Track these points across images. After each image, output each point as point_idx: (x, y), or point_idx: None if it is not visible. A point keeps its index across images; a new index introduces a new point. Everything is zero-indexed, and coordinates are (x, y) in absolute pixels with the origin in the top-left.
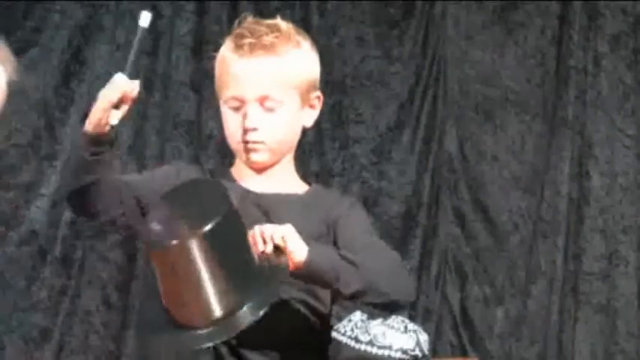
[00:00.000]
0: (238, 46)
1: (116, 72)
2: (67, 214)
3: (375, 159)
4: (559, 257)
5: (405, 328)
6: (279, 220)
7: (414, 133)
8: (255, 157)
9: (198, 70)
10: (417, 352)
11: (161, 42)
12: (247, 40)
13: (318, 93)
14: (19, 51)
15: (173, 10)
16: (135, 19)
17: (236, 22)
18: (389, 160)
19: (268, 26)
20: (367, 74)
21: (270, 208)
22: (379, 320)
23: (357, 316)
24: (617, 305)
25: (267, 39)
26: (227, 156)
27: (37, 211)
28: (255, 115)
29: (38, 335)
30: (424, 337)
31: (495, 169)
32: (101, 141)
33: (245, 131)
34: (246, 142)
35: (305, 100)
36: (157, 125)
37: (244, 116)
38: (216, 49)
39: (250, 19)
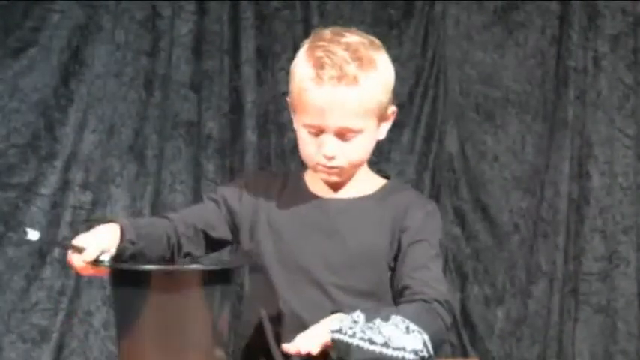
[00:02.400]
0: (319, 76)
1: (115, 72)
2: (67, 214)
3: (375, 159)
4: (559, 257)
5: (408, 328)
6: (345, 227)
7: (414, 133)
8: (331, 178)
9: (199, 70)
10: (425, 353)
11: (161, 42)
12: (329, 72)
13: (394, 108)
14: (18, 51)
15: (173, 10)
16: (134, 18)
17: (312, 34)
18: (389, 160)
19: (347, 49)
20: None
21: (335, 215)
22: (389, 321)
23: (360, 316)
24: (617, 305)
25: (349, 69)
26: (226, 157)
27: (36, 212)
28: (333, 144)
29: (38, 335)
30: (426, 337)
31: (496, 169)
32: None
33: (322, 157)
34: (323, 165)
35: (382, 119)
36: (157, 125)
37: (322, 144)
38: (217, 49)
39: (328, 34)
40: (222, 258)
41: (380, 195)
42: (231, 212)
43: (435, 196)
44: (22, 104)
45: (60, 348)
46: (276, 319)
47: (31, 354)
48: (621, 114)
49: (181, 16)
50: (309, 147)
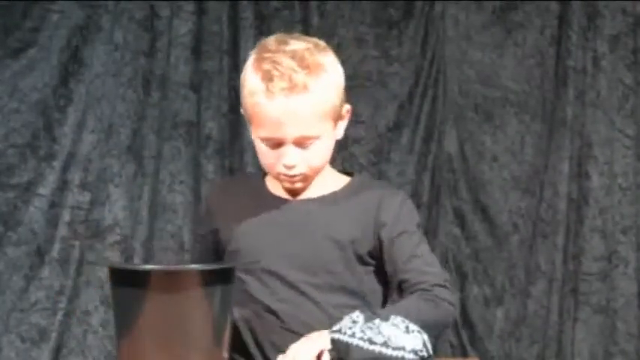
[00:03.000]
0: (269, 90)
1: (114, 72)
2: (65, 214)
3: (375, 159)
4: (558, 257)
5: (407, 328)
6: (310, 225)
7: (413, 133)
8: (294, 186)
9: (198, 70)
10: (425, 353)
11: (159, 42)
12: (278, 84)
13: (348, 107)
14: (17, 51)
15: (172, 10)
16: (133, 19)
17: (257, 45)
18: (388, 161)
19: (294, 57)
20: (366, 74)
21: (300, 215)
22: (388, 321)
23: (360, 316)
24: (617, 306)
25: (298, 78)
26: (226, 157)
27: (35, 212)
28: (292, 154)
29: (36, 335)
30: (426, 337)
31: (495, 170)
32: None
33: (283, 167)
34: (285, 175)
35: (337, 119)
36: (156, 126)
37: (281, 155)
38: (216, 49)
39: (273, 44)
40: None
41: (347, 191)
42: (214, 240)
43: (435, 197)
44: (21, 104)
45: (58, 348)
46: (255, 321)
47: (29, 354)
48: (621, 114)
49: (180, 16)
50: (268, 159)
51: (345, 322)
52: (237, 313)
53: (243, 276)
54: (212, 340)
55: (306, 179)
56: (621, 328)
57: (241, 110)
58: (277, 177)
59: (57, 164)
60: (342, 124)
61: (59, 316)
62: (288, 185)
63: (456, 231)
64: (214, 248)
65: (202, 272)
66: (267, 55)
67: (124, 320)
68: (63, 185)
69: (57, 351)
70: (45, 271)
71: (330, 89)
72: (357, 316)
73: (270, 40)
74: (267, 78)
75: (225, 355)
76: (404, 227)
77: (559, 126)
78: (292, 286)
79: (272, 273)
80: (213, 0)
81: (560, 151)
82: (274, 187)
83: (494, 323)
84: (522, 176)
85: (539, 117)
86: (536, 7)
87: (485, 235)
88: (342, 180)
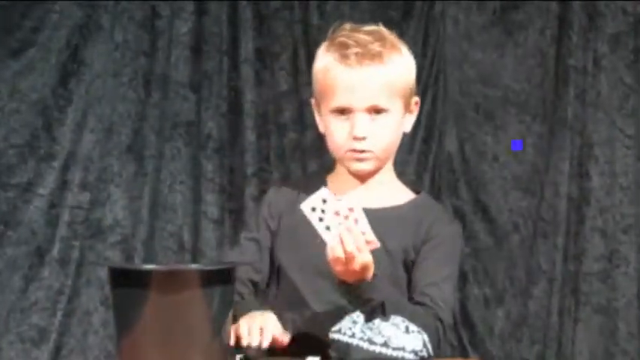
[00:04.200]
0: (344, 56)
1: (114, 72)
2: (65, 214)
3: None
4: (559, 257)
5: (407, 328)
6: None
7: (413, 132)
8: (361, 166)
9: (198, 70)
10: (425, 353)
11: (160, 42)
12: (354, 50)
13: (417, 98)
14: (17, 51)
15: (172, 10)
16: (133, 18)
17: (330, 30)
18: None
19: (371, 34)
20: None
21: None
22: (388, 321)
23: (360, 317)
24: (618, 305)
25: (374, 47)
26: (226, 156)
27: (35, 211)
28: (363, 124)
29: (36, 335)
30: (426, 337)
31: (495, 169)
32: None
33: (352, 141)
34: (353, 151)
35: (407, 106)
36: (156, 125)
37: (352, 125)
38: (216, 49)
39: (348, 26)
40: (222, 258)
41: (408, 207)
42: (268, 245)
43: (435, 196)
44: (20, 104)
45: (58, 348)
46: (301, 323)
47: (29, 354)
48: (621, 114)
49: (180, 16)
50: (339, 134)
51: (346, 323)
52: (287, 314)
53: (296, 278)
54: (213, 339)
55: (373, 162)
56: (622, 328)
57: (311, 100)
58: (345, 157)
59: (57, 164)
60: (410, 118)
61: (59, 316)
62: (356, 166)
63: None
64: (256, 266)
65: (202, 272)
66: (341, 34)
67: (124, 320)
68: (63, 185)
69: (57, 351)
70: (45, 271)
71: (403, 68)
72: (358, 316)
73: (343, 27)
74: (343, 47)
75: (226, 354)
76: (442, 255)
77: (559, 126)
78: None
79: (322, 274)
80: (213, 0)
81: (560, 150)
82: (340, 192)
83: (495, 323)
84: (523, 176)
85: (539, 117)
86: (536, 8)
87: (486, 235)
88: (407, 195)
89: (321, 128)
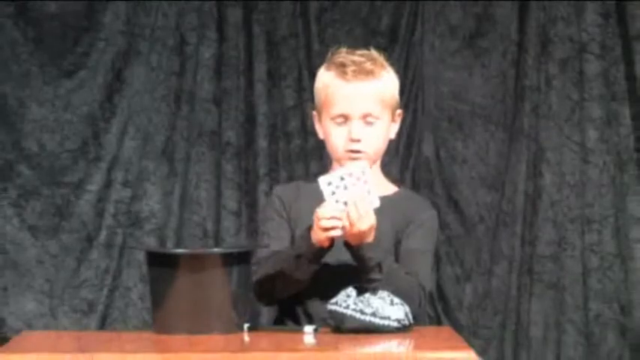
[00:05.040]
0: (343, 73)
1: (150, 90)
2: (110, 207)
3: None
4: (517, 243)
5: (392, 301)
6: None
7: (397, 139)
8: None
9: (219, 87)
10: (406, 322)
11: (188, 64)
12: (351, 68)
13: (400, 110)
14: (70, 72)
15: (198, 37)
16: (166, 45)
17: (329, 53)
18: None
19: (364, 55)
20: None
21: None
22: (376, 295)
23: (352, 291)
24: (566, 283)
25: (367, 66)
26: (242, 159)
27: (85, 205)
28: (358, 129)
29: (86, 307)
30: (407, 309)
31: (465, 170)
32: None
33: (349, 142)
34: (350, 151)
35: (392, 116)
36: (185, 134)
37: (349, 130)
38: (234, 70)
39: (344, 49)
40: (240, 243)
41: (396, 197)
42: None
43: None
44: (73, 116)
45: (104, 318)
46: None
47: (81, 322)
48: (568, 124)
49: (204, 42)
50: (337, 137)
51: (341, 296)
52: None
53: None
54: (231, 311)
55: (366, 161)
56: (569, 302)
57: (313, 113)
58: (342, 157)
59: (103, 165)
60: (395, 127)
61: (105, 291)
62: (350, 163)
63: None
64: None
65: (222, 255)
66: (338, 56)
67: (158, 294)
68: (108, 183)
69: (103, 320)
70: (94, 254)
71: (390, 84)
72: (351, 290)
73: (340, 50)
74: (342, 66)
75: (243, 323)
76: (423, 234)
77: (518, 134)
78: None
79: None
80: (232, 29)
81: (518, 154)
82: None
83: (464, 297)
84: (487, 176)
85: (501, 126)
86: (499, 36)
87: (457, 225)
88: (392, 188)
89: (321, 135)
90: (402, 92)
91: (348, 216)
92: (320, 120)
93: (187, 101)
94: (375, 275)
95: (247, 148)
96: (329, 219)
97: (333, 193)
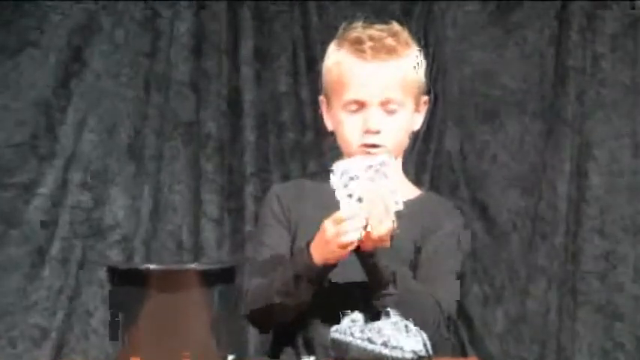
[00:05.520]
0: (360, 50)
1: (114, 72)
2: (66, 214)
3: None
4: (557, 257)
5: (407, 328)
6: None
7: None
8: None
9: (198, 69)
10: (424, 353)
11: (160, 42)
12: (369, 45)
13: (426, 98)
14: (18, 50)
15: (172, 10)
16: (134, 19)
17: (341, 28)
18: None
19: (384, 29)
20: None
21: None
22: (388, 320)
23: (359, 316)
24: (616, 304)
25: (389, 42)
26: (226, 156)
27: (35, 211)
28: (377, 118)
29: (38, 334)
30: (425, 337)
31: (495, 169)
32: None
33: (365, 135)
34: (366, 146)
35: (417, 104)
36: (156, 125)
37: (366, 120)
38: (215, 48)
39: (360, 23)
40: (222, 257)
41: (418, 203)
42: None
43: None
44: (21, 104)
45: (59, 348)
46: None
47: (31, 353)
48: (620, 113)
49: (180, 15)
50: (351, 128)
51: (345, 322)
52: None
53: None
54: (212, 339)
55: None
56: (620, 327)
57: (321, 97)
58: (358, 153)
59: (57, 163)
60: (419, 117)
61: (60, 315)
62: None
63: None
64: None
65: (201, 272)
66: (354, 31)
67: (123, 320)
68: (63, 185)
69: (58, 350)
70: (46, 271)
71: (415, 64)
72: (357, 315)
73: (354, 25)
74: (357, 42)
75: (227, 354)
76: (448, 247)
77: (558, 125)
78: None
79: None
80: (213, 0)
81: (559, 150)
82: None
83: (494, 322)
84: (522, 176)
85: (538, 116)
86: (535, 8)
87: (485, 235)
88: (415, 191)
89: (330, 126)
90: None
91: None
92: (329, 107)
93: (159, 86)
94: (389, 289)
95: (232, 143)
96: (352, 232)
97: (346, 185)
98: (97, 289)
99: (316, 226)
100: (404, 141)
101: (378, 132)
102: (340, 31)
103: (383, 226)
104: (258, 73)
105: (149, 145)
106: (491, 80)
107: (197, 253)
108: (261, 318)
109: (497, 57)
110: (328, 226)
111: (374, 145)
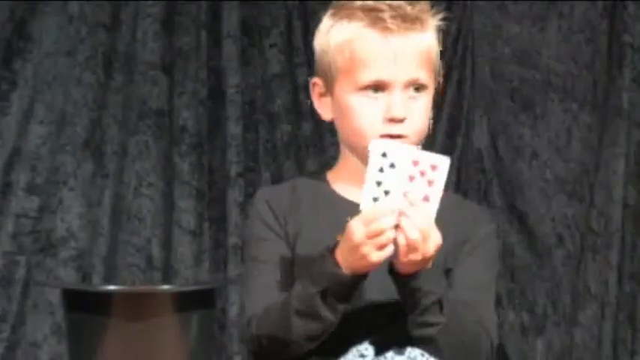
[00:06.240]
0: (378, 20)
1: (68, 50)
2: (9, 224)
3: None
4: (612, 277)
5: None
6: None
7: (434, 125)
8: None
9: (170, 47)
10: None
11: (123, 13)
12: (389, 14)
13: (441, 77)
14: None
15: None
16: None
17: (332, 10)
18: None
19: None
20: None
21: None
22: (403, 355)
23: (369, 349)
24: None
25: (410, 12)
26: (204, 153)
27: None
28: (400, 102)
29: None
30: None
31: (535, 169)
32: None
33: (387, 124)
34: (387, 137)
35: (436, 86)
36: (119, 115)
37: (389, 105)
38: (192, 21)
39: None
40: (200, 277)
41: (443, 206)
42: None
43: None
44: None
45: None
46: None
47: None
48: None
49: None
50: (370, 116)
51: (351, 356)
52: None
53: None
54: None
55: None
56: None
57: (313, 80)
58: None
59: None
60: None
61: (0, 348)
62: None
63: None
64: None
65: (176, 295)
66: (361, 2)
67: (80, 352)
68: (5, 189)
69: None
70: None
71: (436, 40)
72: (366, 348)
73: None
74: (375, 11)
75: None
76: (483, 260)
77: (613, 116)
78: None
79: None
80: None
81: (614, 146)
82: (345, 191)
83: (535, 356)
84: (568, 177)
85: (588, 105)
86: None
87: (523, 250)
88: None
89: (328, 114)
90: (441, 55)
91: (405, 233)
92: (330, 92)
93: (122, 67)
94: (433, 317)
95: (211, 137)
96: (388, 231)
97: (382, 170)
98: (46, 315)
99: (321, 235)
100: (426, 131)
101: (402, 120)
102: (334, 6)
103: (430, 243)
104: (244, 50)
105: (110, 140)
106: (530, 61)
107: (169, 272)
108: (275, 349)
109: (538, 32)
110: (356, 226)
111: (399, 136)
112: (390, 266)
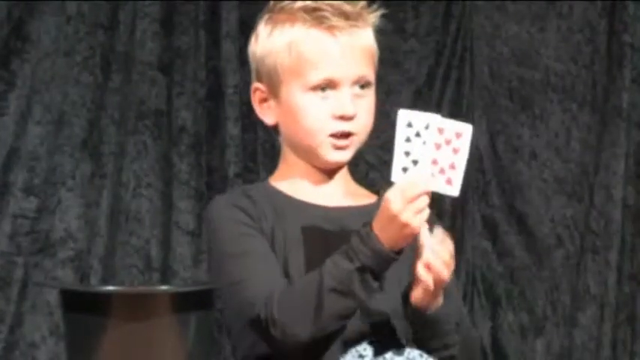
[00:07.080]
0: (322, 18)
1: (66, 50)
2: (6, 224)
3: (386, 156)
4: (612, 277)
5: None
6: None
7: None
8: (341, 155)
9: (168, 47)
10: None
11: (121, 13)
12: (329, 12)
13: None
14: None
15: None
16: None
17: (269, 5)
18: None
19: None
20: None
21: (348, 225)
22: (403, 356)
23: (368, 349)
24: None
25: (350, 10)
26: (203, 153)
27: None
28: (350, 100)
29: None
30: None
31: (534, 170)
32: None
33: (336, 122)
34: (335, 136)
35: (375, 82)
36: (117, 115)
37: (337, 103)
38: (191, 21)
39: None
40: (199, 278)
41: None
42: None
43: (460, 203)
44: None
45: None
46: None
47: None
48: None
49: None
50: (320, 115)
51: (350, 357)
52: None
53: None
54: None
55: (353, 151)
56: None
57: (254, 86)
58: (323, 146)
59: None
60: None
61: None
62: (334, 156)
63: (486, 245)
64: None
65: (174, 295)
66: (299, 2)
67: (78, 354)
68: (3, 189)
69: None
70: None
71: (373, 36)
72: (365, 349)
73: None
74: (317, 11)
75: None
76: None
77: (613, 116)
78: None
79: None
80: None
81: (614, 146)
82: (296, 192)
83: (534, 357)
84: (568, 178)
85: (588, 105)
86: None
87: (523, 251)
88: (372, 196)
89: (272, 119)
90: (439, 54)
91: (435, 272)
92: (275, 95)
93: (121, 68)
94: (451, 340)
95: (210, 137)
96: (424, 193)
97: (408, 139)
98: (44, 316)
99: (300, 234)
100: (371, 125)
101: (352, 117)
102: (271, 4)
103: (450, 266)
104: (243, 50)
105: (108, 140)
106: (529, 61)
107: (168, 272)
108: (295, 333)
109: (538, 31)
110: (394, 196)
111: (348, 134)
112: (405, 298)
